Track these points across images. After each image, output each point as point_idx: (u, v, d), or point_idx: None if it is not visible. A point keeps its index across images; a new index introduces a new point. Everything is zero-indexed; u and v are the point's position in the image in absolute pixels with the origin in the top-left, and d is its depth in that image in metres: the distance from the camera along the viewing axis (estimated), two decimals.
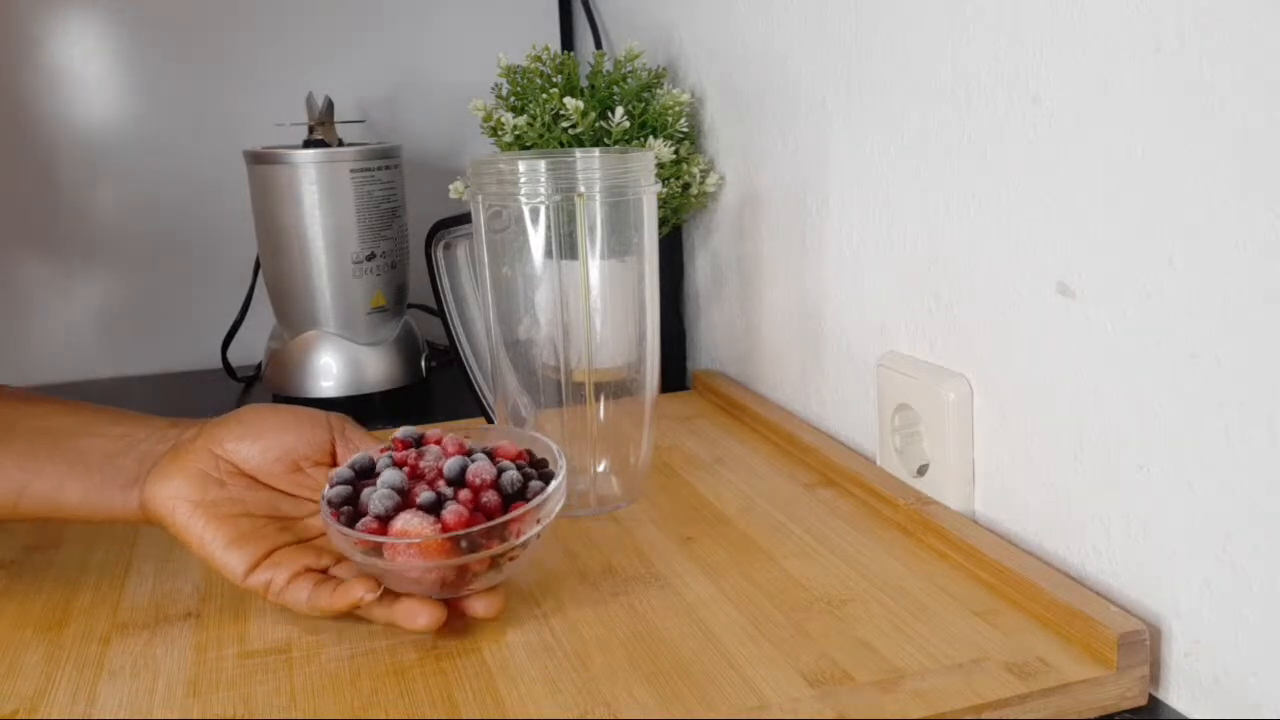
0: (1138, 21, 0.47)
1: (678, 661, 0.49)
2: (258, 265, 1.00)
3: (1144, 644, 0.47)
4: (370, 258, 0.94)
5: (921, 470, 0.65)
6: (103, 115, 1.07)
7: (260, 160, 0.92)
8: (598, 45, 1.07)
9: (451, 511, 0.49)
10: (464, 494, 0.51)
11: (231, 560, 0.52)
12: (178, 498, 0.53)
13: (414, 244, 0.97)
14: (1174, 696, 0.49)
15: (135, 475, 0.55)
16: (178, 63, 1.08)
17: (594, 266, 0.64)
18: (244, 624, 0.54)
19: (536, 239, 0.63)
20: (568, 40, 1.21)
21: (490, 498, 0.51)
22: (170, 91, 1.08)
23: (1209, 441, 0.46)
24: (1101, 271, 0.51)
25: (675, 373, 0.99)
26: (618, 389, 0.67)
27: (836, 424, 0.77)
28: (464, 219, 0.69)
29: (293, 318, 0.95)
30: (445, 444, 0.54)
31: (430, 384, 1.01)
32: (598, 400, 0.67)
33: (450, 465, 0.52)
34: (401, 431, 0.55)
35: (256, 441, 0.56)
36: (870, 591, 0.55)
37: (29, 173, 1.06)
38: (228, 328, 1.05)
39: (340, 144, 0.94)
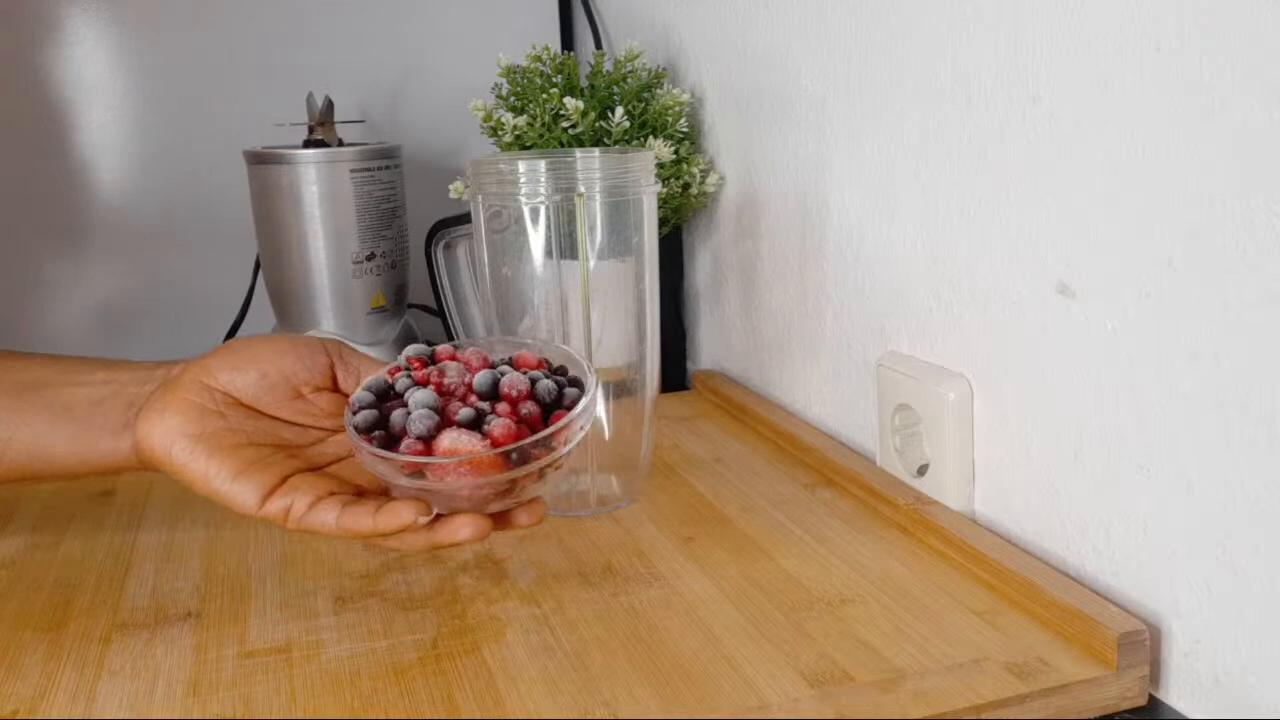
0: (1138, 21, 0.47)
1: (678, 661, 0.49)
2: (258, 265, 1.00)
3: (1144, 644, 0.47)
4: (370, 258, 0.94)
5: (921, 470, 0.65)
6: (103, 115, 1.07)
7: (260, 160, 0.92)
8: (598, 45, 1.07)
9: (499, 426, 0.48)
10: (501, 407, 0.49)
11: (241, 491, 0.49)
12: (174, 434, 0.50)
13: (414, 244, 0.97)
14: (1174, 696, 0.49)
15: (124, 420, 0.52)
16: (178, 62, 1.08)
17: (594, 266, 0.64)
18: (244, 624, 0.54)
19: (536, 239, 0.63)
20: (568, 40, 1.21)
21: (529, 409, 0.49)
22: (170, 91, 1.08)
23: (1209, 441, 0.46)
24: (1101, 271, 0.51)
25: (675, 373, 0.99)
26: (618, 389, 0.67)
27: (836, 424, 0.77)
28: (464, 219, 0.69)
29: (293, 318, 0.95)
30: (469, 357, 0.52)
31: None
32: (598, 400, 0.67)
33: (480, 379, 0.50)
34: (413, 349, 0.53)
35: (252, 369, 0.52)
36: (870, 591, 0.55)
37: (29, 172, 1.06)
38: (228, 328, 1.05)
39: (340, 144, 0.94)
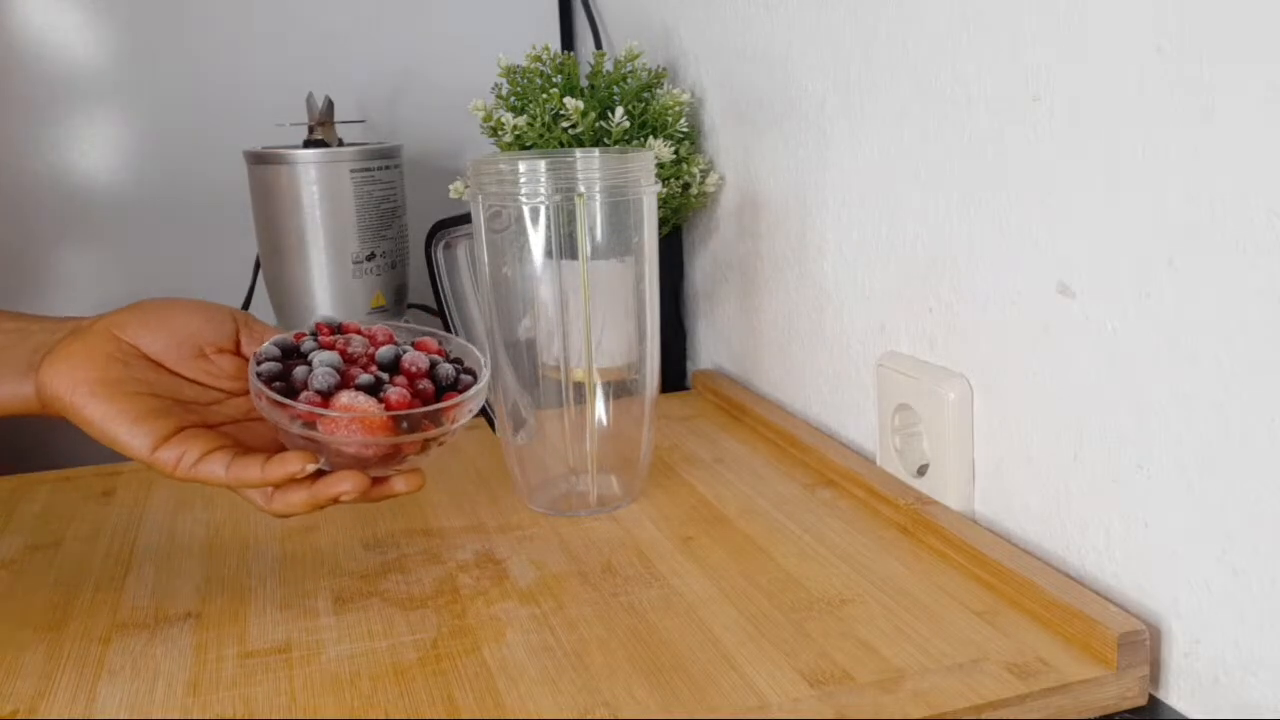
0: (1138, 21, 0.47)
1: (678, 661, 0.49)
2: (258, 265, 1.00)
3: (1144, 644, 0.47)
4: (370, 258, 0.94)
5: (921, 470, 0.65)
6: (103, 115, 1.07)
7: (260, 160, 0.92)
8: (598, 45, 1.07)
9: (395, 392, 0.52)
10: (400, 379, 0.53)
11: (137, 435, 0.50)
12: (77, 379, 0.51)
13: (414, 244, 0.97)
14: (1174, 696, 0.49)
15: (30, 364, 0.53)
16: (178, 62, 1.08)
17: (594, 266, 0.64)
18: (244, 624, 0.54)
19: (536, 239, 0.63)
20: (568, 40, 1.20)
21: (425, 385, 0.54)
22: (170, 91, 1.08)
23: (1209, 441, 0.46)
24: (1101, 271, 0.51)
25: (675, 373, 0.99)
26: (618, 389, 0.67)
27: (836, 424, 0.77)
28: (464, 219, 0.69)
29: (293, 318, 0.95)
30: (375, 333, 0.56)
31: None
32: (598, 400, 0.67)
33: (383, 353, 0.54)
34: (321, 317, 0.57)
35: (161, 326, 0.54)
36: (870, 591, 0.55)
37: (28, 172, 1.06)
38: None
39: (340, 144, 0.94)
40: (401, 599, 0.56)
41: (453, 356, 0.57)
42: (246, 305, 1.03)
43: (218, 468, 0.50)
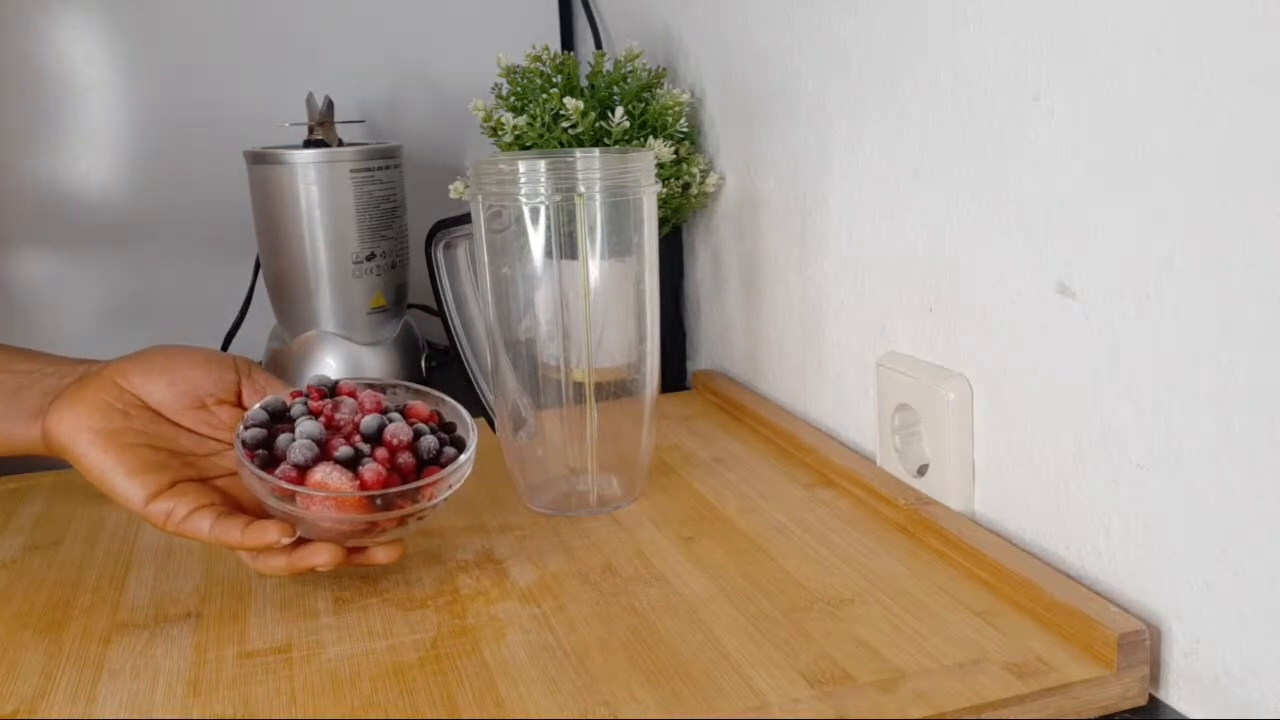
0: (1138, 22, 0.47)
1: (678, 661, 0.49)
2: (258, 265, 1.00)
3: (1144, 644, 0.47)
4: (370, 258, 0.94)
5: (921, 470, 0.65)
6: (103, 115, 1.07)
7: (260, 160, 0.92)
8: (598, 45, 1.07)
9: (370, 470, 0.52)
10: (380, 453, 0.53)
11: (132, 488, 0.53)
12: (79, 426, 0.53)
13: (414, 244, 0.97)
14: (1174, 696, 0.49)
15: (39, 407, 0.55)
16: (178, 62, 1.08)
17: (594, 266, 0.64)
18: (244, 624, 0.54)
19: (536, 239, 0.63)
20: (568, 40, 1.21)
21: (406, 459, 0.53)
22: (170, 91, 1.08)
23: (1209, 441, 0.46)
24: (1101, 271, 0.51)
25: (675, 373, 0.99)
26: (618, 389, 0.67)
27: (836, 424, 0.77)
28: (464, 219, 0.69)
29: (293, 318, 0.95)
30: (363, 400, 0.56)
31: (430, 384, 1.01)
32: (598, 400, 0.67)
33: (368, 422, 0.54)
34: (315, 379, 0.57)
35: (163, 376, 0.56)
36: (870, 591, 0.55)
37: (28, 172, 1.06)
38: (228, 328, 1.05)
39: (340, 144, 0.94)
40: (401, 599, 0.56)
41: (446, 421, 0.57)
42: (246, 305, 1.04)
43: (203, 525, 0.53)
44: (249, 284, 1.03)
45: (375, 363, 0.96)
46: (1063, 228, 0.53)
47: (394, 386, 0.60)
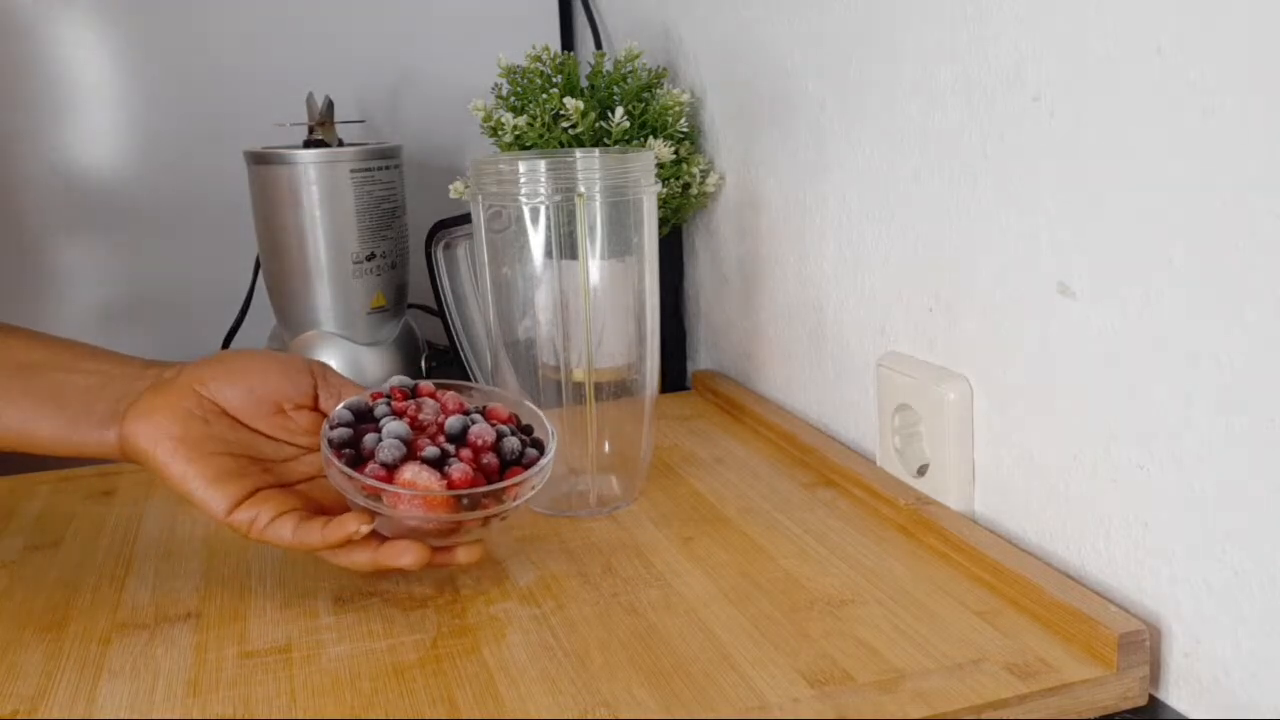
0: (1138, 22, 0.47)
1: (678, 661, 0.49)
2: (258, 265, 1.00)
3: (1144, 644, 0.47)
4: (370, 258, 0.94)
5: (921, 470, 0.65)
6: (103, 115, 1.07)
7: (260, 160, 0.92)
8: (598, 45, 1.07)
9: (458, 469, 0.52)
10: (465, 453, 0.53)
11: (214, 497, 0.52)
12: (160, 434, 0.53)
13: (414, 244, 0.97)
14: (1174, 696, 0.49)
15: (112, 412, 0.55)
16: (178, 63, 1.08)
17: (594, 266, 0.64)
18: (244, 624, 0.54)
19: (536, 239, 0.63)
20: (568, 40, 1.20)
21: (490, 460, 0.54)
22: (170, 91, 1.08)
23: (1209, 441, 0.46)
24: (1101, 271, 0.51)
25: (675, 373, 0.99)
26: (618, 389, 0.67)
27: (836, 424, 0.77)
28: (464, 219, 0.69)
29: (293, 318, 0.95)
30: (446, 401, 0.56)
31: None
32: (598, 400, 0.67)
33: (452, 423, 0.54)
34: (397, 380, 0.57)
35: (241, 382, 0.56)
36: (870, 591, 0.55)
37: (28, 172, 1.06)
38: (228, 328, 1.05)
39: (340, 144, 0.94)
40: (401, 599, 0.56)
41: (523, 424, 0.58)
42: (246, 305, 1.04)
43: (285, 532, 0.52)
44: (249, 284, 1.03)
45: (375, 363, 0.96)
46: (1063, 228, 0.53)
47: (470, 389, 0.60)
